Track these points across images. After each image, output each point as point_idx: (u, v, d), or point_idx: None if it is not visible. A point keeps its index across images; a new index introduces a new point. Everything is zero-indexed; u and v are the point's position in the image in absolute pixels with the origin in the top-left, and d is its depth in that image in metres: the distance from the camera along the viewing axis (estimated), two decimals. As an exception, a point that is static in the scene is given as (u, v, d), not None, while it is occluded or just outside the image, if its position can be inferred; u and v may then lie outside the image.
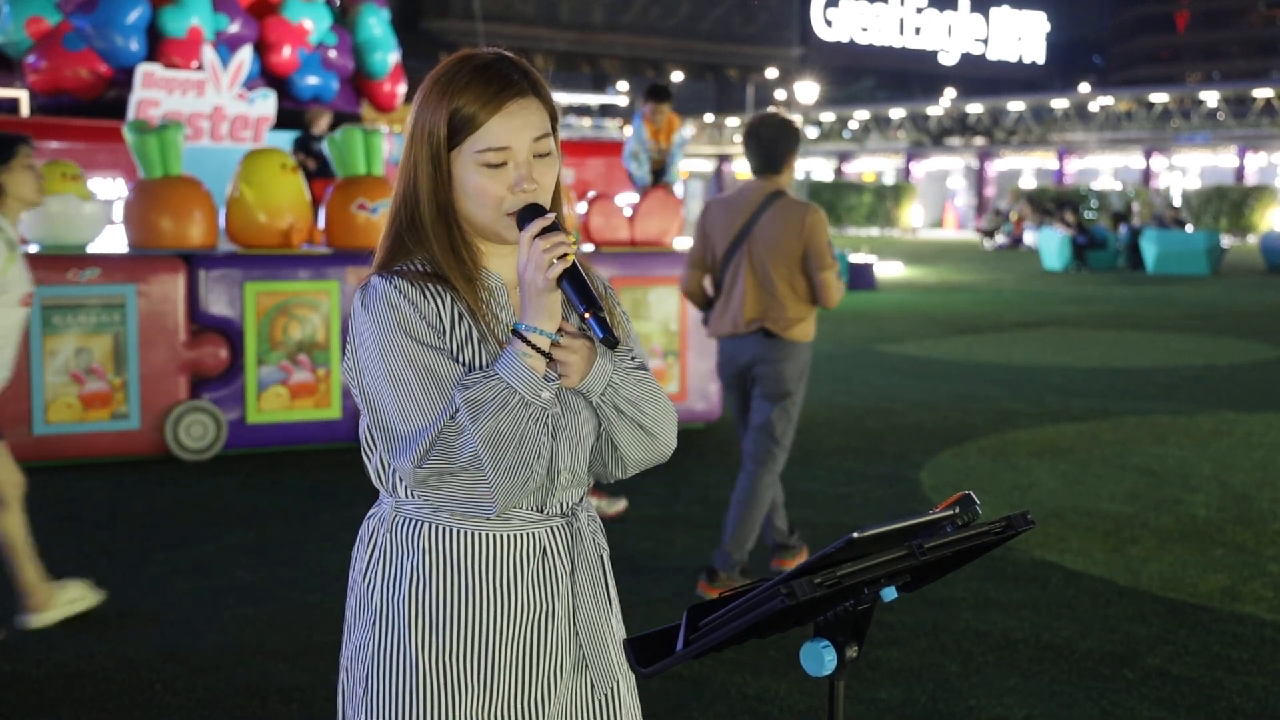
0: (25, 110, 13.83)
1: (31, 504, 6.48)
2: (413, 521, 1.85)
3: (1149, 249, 27.49)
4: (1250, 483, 7.00)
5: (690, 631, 1.57)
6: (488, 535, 1.83)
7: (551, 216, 1.78)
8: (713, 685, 4.10)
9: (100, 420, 7.22)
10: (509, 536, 1.84)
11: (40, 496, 6.58)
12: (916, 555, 1.55)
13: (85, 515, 6.23)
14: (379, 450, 1.87)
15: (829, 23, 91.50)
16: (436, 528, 1.83)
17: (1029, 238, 36.83)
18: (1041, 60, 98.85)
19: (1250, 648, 4.51)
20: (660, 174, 10.78)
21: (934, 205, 58.48)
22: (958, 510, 1.63)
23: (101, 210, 7.77)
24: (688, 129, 11.14)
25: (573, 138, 30.47)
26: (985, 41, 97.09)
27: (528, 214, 1.79)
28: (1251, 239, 39.98)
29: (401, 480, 1.85)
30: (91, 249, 7.60)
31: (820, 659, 1.57)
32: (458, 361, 1.80)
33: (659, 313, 8.49)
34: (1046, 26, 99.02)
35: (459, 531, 1.83)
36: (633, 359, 1.90)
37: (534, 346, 1.77)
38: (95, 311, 7.17)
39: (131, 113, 11.62)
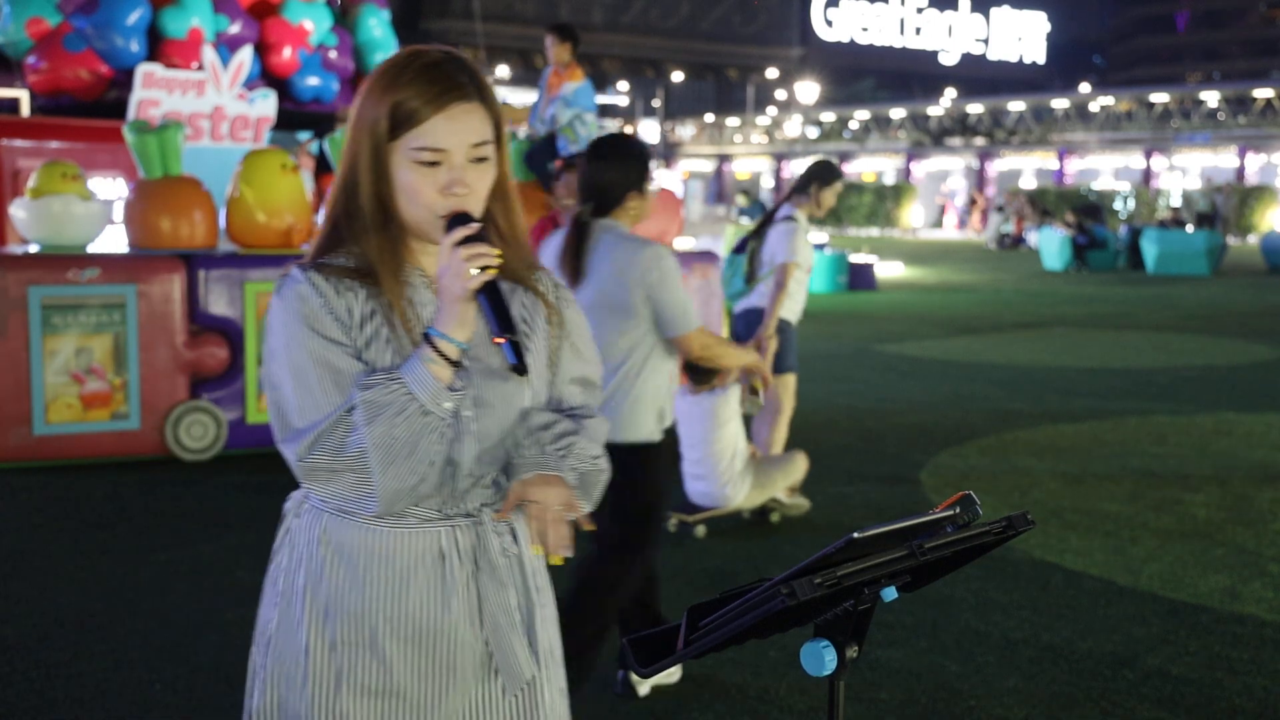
0: (25, 110, 13.82)
1: (31, 504, 6.50)
2: (315, 511, 1.88)
3: (1149, 249, 27.47)
4: (1250, 483, 7.00)
5: (690, 631, 1.58)
6: (383, 532, 1.84)
7: (477, 226, 1.77)
8: (713, 685, 4.10)
9: (100, 420, 7.22)
10: (404, 534, 1.84)
11: (40, 496, 6.59)
12: (916, 555, 1.55)
13: (85, 515, 6.23)
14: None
15: (829, 23, 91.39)
16: (335, 520, 1.86)
17: (1029, 238, 36.76)
18: (1042, 60, 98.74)
19: (1250, 648, 4.51)
20: (549, 144, 8.84)
21: (934, 205, 58.46)
22: (958, 510, 1.62)
23: (101, 210, 7.77)
24: (586, 85, 9.01)
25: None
26: (985, 41, 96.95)
27: (456, 221, 1.78)
28: (1252, 239, 39.96)
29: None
30: (91, 249, 7.60)
31: (820, 659, 1.57)
32: (362, 360, 1.79)
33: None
34: (1047, 26, 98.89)
35: (356, 526, 1.85)
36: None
37: (442, 354, 1.76)
38: (95, 311, 7.16)
39: (131, 113, 11.62)
